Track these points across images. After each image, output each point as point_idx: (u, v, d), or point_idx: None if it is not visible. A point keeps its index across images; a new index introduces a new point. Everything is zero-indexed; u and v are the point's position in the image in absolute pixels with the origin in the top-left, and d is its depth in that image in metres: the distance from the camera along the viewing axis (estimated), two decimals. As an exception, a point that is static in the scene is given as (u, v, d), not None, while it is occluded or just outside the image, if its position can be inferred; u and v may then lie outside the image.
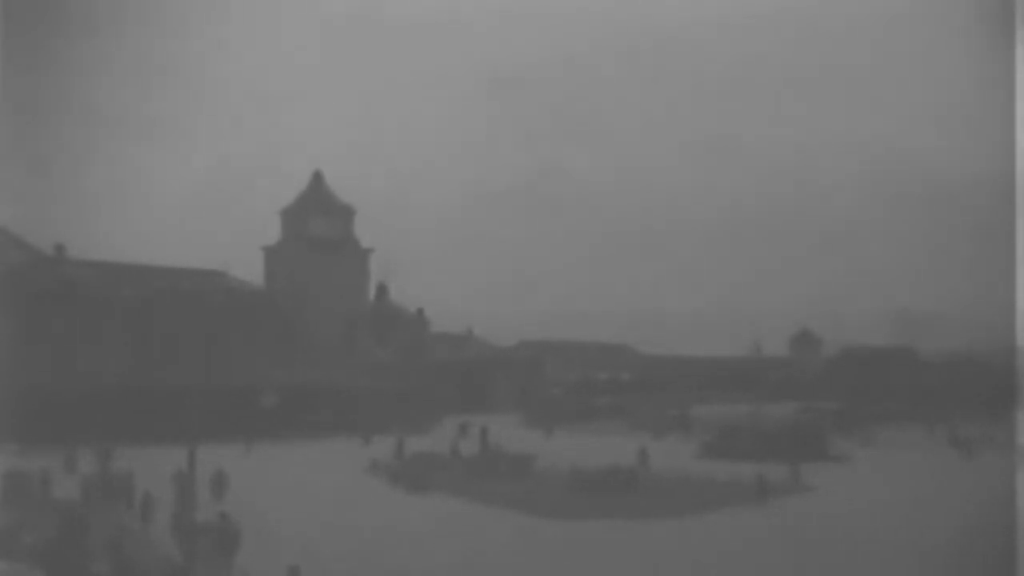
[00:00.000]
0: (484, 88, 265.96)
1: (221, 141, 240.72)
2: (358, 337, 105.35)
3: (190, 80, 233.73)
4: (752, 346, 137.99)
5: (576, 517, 40.40)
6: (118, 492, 42.50)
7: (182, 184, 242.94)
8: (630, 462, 53.80)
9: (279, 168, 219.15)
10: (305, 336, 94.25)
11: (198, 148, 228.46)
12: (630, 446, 63.67)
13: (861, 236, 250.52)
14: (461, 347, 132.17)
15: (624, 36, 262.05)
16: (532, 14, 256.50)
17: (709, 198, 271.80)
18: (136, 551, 28.81)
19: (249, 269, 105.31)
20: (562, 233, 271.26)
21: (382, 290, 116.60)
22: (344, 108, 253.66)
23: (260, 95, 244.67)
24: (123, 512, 37.91)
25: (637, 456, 57.14)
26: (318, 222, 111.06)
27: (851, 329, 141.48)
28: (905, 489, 50.47)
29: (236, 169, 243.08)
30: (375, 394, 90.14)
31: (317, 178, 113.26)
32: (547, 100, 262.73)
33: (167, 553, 30.42)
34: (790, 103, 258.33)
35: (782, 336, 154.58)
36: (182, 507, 35.31)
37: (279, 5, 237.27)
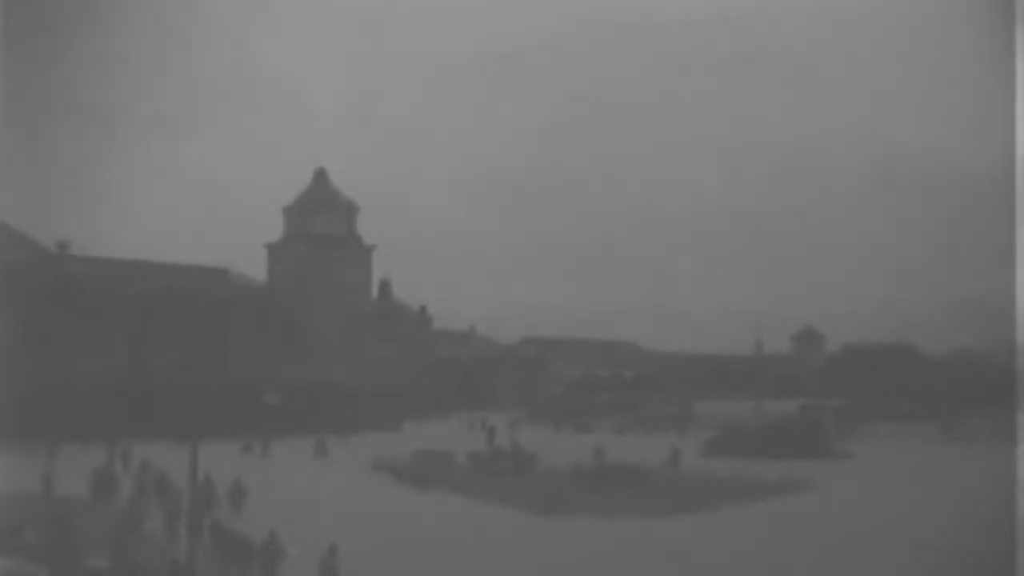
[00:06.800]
0: (488, 85, 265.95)
1: (223, 138, 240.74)
2: (361, 334, 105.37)
3: (192, 77, 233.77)
4: (754, 343, 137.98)
5: (579, 514, 40.44)
6: (120, 489, 42.68)
7: (184, 181, 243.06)
8: (633, 460, 53.78)
9: (281, 165, 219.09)
10: (308, 333, 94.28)
11: (200, 145, 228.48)
12: (632, 444, 63.75)
13: (863, 234, 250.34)
14: (464, 344, 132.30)
15: (627, 31, 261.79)
16: (536, 8, 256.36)
17: (712, 195, 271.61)
18: (138, 548, 28.89)
19: (252, 266, 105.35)
20: (565, 230, 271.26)
21: (385, 287, 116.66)
22: (347, 105, 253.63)
23: (262, 91, 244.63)
24: (125, 509, 37.92)
25: (641, 454, 57.21)
26: (321, 219, 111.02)
27: (853, 326, 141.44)
28: (906, 486, 50.54)
29: (239, 166, 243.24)
30: (378, 391, 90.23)
31: (320, 175, 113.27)
32: (551, 96, 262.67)
33: (170, 550, 30.51)
34: (792, 100, 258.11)
35: (784, 333, 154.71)
36: (185, 505, 35.35)
37: (280, 4, 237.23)
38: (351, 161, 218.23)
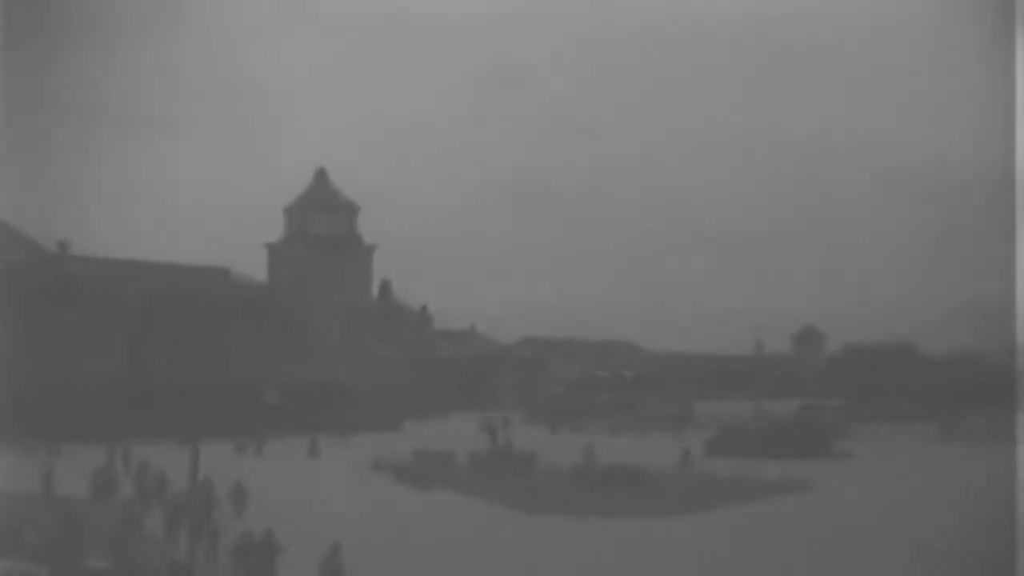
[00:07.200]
0: (489, 85, 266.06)
1: (224, 138, 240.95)
2: (361, 334, 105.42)
3: (193, 77, 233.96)
4: (754, 343, 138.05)
5: (579, 514, 40.45)
6: (120, 489, 42.69)
7: (185, 181, 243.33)
8: (632, 460, 53.75)
9: (282, 165, 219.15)
10: (308, 333, 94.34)
11: (201, 145, 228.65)
12: (632, 444, 63.70)
13: (863, 234, 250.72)
14: (464, 344, 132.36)
15: (629, 35, 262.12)
16: (537, 12, 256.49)
17: (712, 196, 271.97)
18: (138, 548, 28.89)
19: (252, 266, 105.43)
20: (565, 231, 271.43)
21: (385, 287, 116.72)
22: (347, 105, 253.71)
23: (263, 92, 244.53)
24: (125, 509, 37.94)
25: (640, 455, 57.20)
26: (321, 219, 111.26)
27: (853, 326, 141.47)
28: (906, 487, 50.55)
29: (239, 166, 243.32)
30: (378, 391, 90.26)
31: (321, 175, 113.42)
32: (552, 98, 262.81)
33: (170, 550, 30.52)
34: (792, 102, 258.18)
35: (784, 333, 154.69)
36: (185, 506, 35.35)
37: (281, 4, 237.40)
38: (351, 161, 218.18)
